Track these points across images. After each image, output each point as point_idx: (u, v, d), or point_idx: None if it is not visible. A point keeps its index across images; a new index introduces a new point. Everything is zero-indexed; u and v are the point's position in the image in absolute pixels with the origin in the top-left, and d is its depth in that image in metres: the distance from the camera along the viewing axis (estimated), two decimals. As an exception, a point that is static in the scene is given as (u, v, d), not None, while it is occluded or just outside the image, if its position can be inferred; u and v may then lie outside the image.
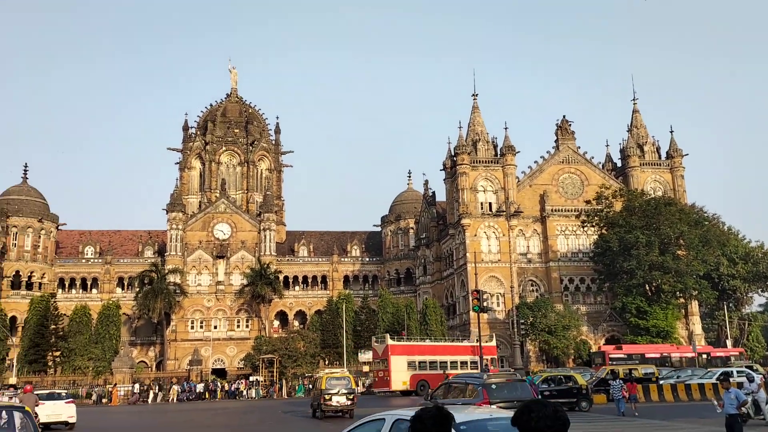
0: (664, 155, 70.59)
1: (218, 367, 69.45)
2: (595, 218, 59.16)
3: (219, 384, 54.41)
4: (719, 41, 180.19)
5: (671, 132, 70.89)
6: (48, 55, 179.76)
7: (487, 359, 43.47)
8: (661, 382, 34.68)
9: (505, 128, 74.35)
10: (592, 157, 69.65)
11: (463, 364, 43.79)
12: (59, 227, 76.77)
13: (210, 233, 75.59)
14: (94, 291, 74.42)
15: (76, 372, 59.02)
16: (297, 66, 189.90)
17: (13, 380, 52.07)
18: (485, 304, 42.69)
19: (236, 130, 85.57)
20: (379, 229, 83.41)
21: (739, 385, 16.71)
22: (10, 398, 25.21)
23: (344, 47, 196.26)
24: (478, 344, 40.26)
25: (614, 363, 40.23)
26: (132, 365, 59.72)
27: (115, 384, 52.74)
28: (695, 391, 32.16)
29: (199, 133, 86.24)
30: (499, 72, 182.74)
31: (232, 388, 54.00)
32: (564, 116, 69.94)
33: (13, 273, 71.32)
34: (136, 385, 52.66)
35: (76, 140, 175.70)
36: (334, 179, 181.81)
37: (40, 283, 72.39)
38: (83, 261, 75.67)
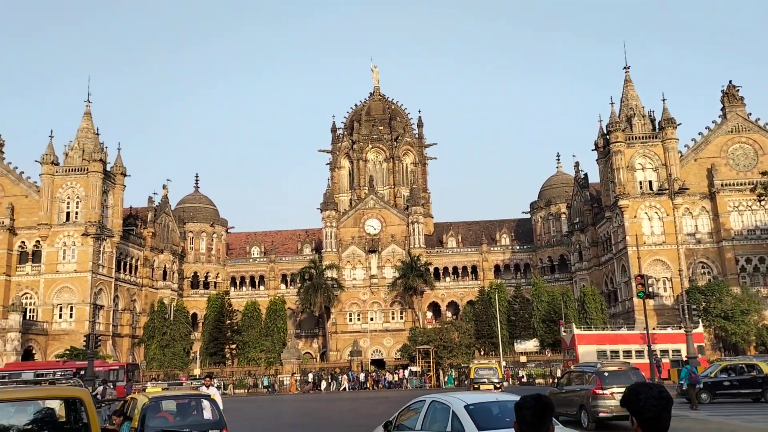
0: None
1: (377, 357, 71.76)
2: (776, 190, 52.87)
3: (380, 374, 56.30)
4: None
5: None
6: (213, 70, 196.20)
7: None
8: None
9: (663, 100, 69.23)
10: (767, 124, 62.43)
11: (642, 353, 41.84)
12: (228, 230, 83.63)
13: (361, 229, 78.22)
14: (261, 288, 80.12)
15: (250, 363, 63.88)
16: (435, 58, 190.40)
17: (197, 371, 57.70)
18: (650, 289, 39.95)
19: (380, 127, 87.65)
20: (528, 216, 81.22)
21: None
22: (197, 388, 27.81)
23: (482, 32, 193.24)
24: (672, 332, 38.51)
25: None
26: (299, 356, 63.53)
27: (293, 374, 56.58)
28: None
29: (346, 133, 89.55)
30: (649, 43, 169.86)
31: (392, 378, 55.68)
32: (730, 82, 63.36)
33: (192, 274, 78.91)
34: (310, 375, 56.27)
35: (238, 148, 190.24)
36: (479, 168, 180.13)
37: (215, 282, 79.36)
38: (250, 261, 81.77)
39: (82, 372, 37.37)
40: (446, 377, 53.98)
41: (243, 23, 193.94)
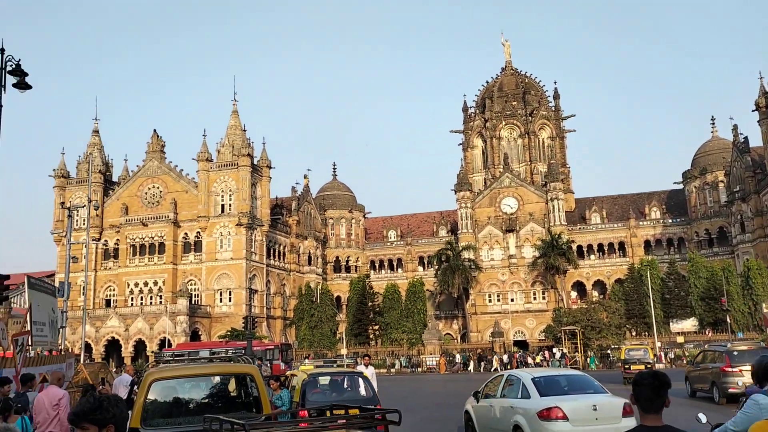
0: None
1: (519, 338, 70.61)
2: None
3: (525, 355, 55.42)
4: None
5: None
6: (344, 59, 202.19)
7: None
8: None
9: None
10: None
11: None
12: (365, 215, 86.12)
13: (497, 208, 76.99)
14: (400, 270, 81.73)
15: (393, 344, 65.59)
16: (569, 25, 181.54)
17: (344, 351, 60.21)
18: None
19: (514, 103, 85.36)
20: (680, 186, 75.42)
21: None
22: (355, 367, 29.11)
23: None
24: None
25: None
26: (440, 337, 64.15)
27: (442, 354, 57.52)
28: None
29: (477, 111, 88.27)
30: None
31: (533, 360, 54.50)
32: None
33: (334, 258, 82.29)
34: (458, 356, 56.96)
35: (372, 135, 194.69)
36: (623, 138, 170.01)
37: (356, 266, 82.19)
38: (388, 244, 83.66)
39: (242, 351, 40.42)
40: (588, 359, 51.87)
41: (371, 10, 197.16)
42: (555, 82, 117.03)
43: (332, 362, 13.16)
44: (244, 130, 70.40)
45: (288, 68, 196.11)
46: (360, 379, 12.91)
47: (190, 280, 67.84)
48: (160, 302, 65.80)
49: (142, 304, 66.97)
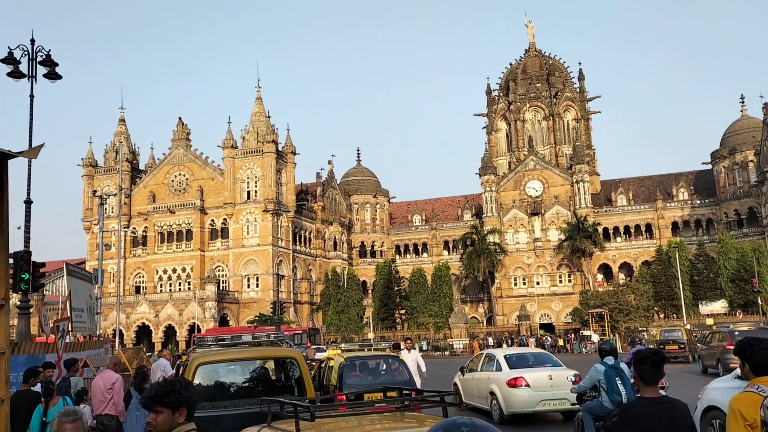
0: None
1: (545, 321, 70.41)
2: None
3: (555, 338, 55.38)
4: None
5: None
6: (366, 44, 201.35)
7: None
8: None
9: None
10: None
11: None
12: (390, 200, 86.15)
13: (522, 191, 76.47)
14: (425, 255, 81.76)
15: (419, 328, 65.86)
16: (594, 5, 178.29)
17: (371, 335, 60.67)
18: None
19: (538, 85, 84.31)
20: (709, 166, 74.05)
21: None
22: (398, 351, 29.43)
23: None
24: None
25: None
26: (466, 321, 64.22)
27: (474, 337, 57.70)
28: None
29: (501, 94, 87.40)
30: None
31: (560, 343, 54.48)
32: None
33: (359, 244, 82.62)
34: (490, 339, 57.13)
35: (395, 119, 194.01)
36: (649, 119, 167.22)
37: (381, 251, 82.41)
38: (413, 229, 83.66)
39: (272, 336, 40.95)
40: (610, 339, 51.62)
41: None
42: (579, 63, 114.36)
43: (368, 345, 13.28)
44: (269, 117, 70.73)
45: (311, 54, 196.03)
46: (396, 362, 13.06)
47: (218, 267, 68.69)
48: (189, 288, 66.82)
49: (171, 290, 68.09)
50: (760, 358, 3.97)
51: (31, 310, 19.17)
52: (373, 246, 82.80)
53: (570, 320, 64.87)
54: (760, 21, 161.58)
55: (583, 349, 51.91)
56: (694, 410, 8.89)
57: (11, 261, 16.73)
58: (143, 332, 64.28)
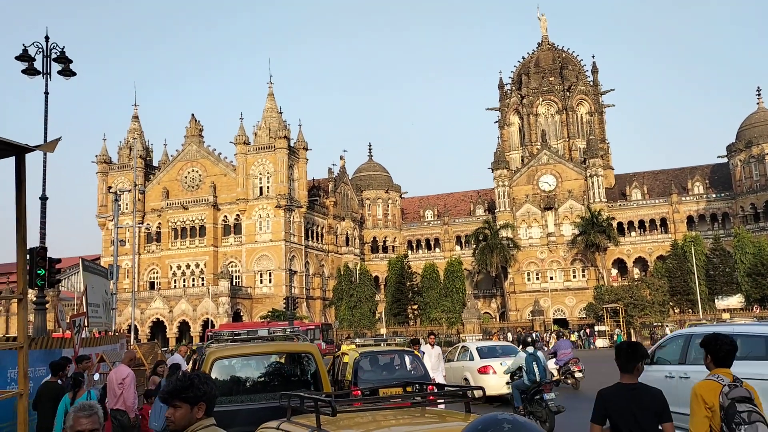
0: None
1: (559, 317, 70.04)
2: None
3: (570, 331, 55.04)
4: None
5: None
6: (376, 39, 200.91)
7: None
8: None
9: None
10: None
11: None
12: (402, 195, 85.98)
13: (535, 186, 76.02)
14: (437, 250, 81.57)
15: (432, 323, 65.73)
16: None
17: (383, 331, 60.66)
18: None
19: (551, 78, 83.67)
20: (725, 160, 73.19)
21: None
22: (419, 347, 29.60)
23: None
24: None
25: None
26: (479, 316, 63.94)
27: (496, 332, 57.44)
28: None
29: (514, 88, 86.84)
30: None
31: (573, 338, 54.11)
32: None
33: (371, 239, 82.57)
34: (509, 334, 56.91)
35: (407, 114, 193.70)
36: (664, 112, 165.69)
37: (393, 246, 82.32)
38: (425, 224, 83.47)
39: (288, 331, 41.01)
40: (616, 337, 51.12)
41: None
42: (593, 56, 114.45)
43: (383, 340, 13.33)
44: (280, 113, 70.79)
45: (323, 50, 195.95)
46: (410, 357, 12.98)
47: (231, 262, 68.94)
48: (202, 284, 67.15)
49: (184, 286, 68.45)
50: (721, 351, 4.57)
51: (47, 305, 19.29)
52: (385, 241, 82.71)
53: (584, 315, 64.49)
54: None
55: (591, 346, 51.64)
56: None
57: (27, 257, 16.83)
58: (158, 327, 64.71)
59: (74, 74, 20.01)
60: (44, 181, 18.00)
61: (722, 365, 4.56)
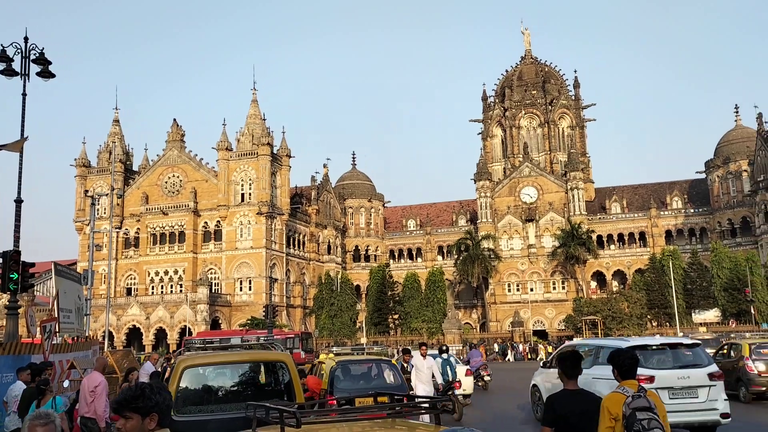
0: None
1: (539, 328, 70.28)
2: None
3: (541, 345, 55.24)
4: None
5: None
6: (360, 47, 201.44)
7: None
8: None
9: None
10: None
11: None
12: (385, 205, 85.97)
13: (517, 198, 76.46)
14: (419, 260, 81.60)
15: (413, 333, 65.55)
16: (589, 15, 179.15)
17: (364, 340, 60.34)
18: None
19: (533, 92, 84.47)
20: (703, 175, 74.30)
21: None
22: (408, 358, 29.88)
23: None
24: None
25: None
26: (459, 326, 63.80)
27: (480, 343, 57.34)
28: None
29: (497, 101, 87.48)
30: None
31: (549, 350, 54.34)
32: None
33: (353, 248, 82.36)
34: (495, 345, 56.97)
35: (391, 124, 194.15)
36: (643, 128, 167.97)
37: (375, 255, 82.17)
38: (407, 233, 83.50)
39: (263, 339, 40.61)
40: None
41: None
42: (575, 71, 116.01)
43: (361, 350, 13.44)
44: (264, 119, 70.50)
45: (307, 57, 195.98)
46: (387, 367, 12.88)
47: (210, 269, 68.29)
48: (181, 291, 66.38)
49: (162, 292, 67.61)
50: (624, 365, 4.93)
51: (20, 310, 18.87)
52: (367, 250, 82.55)
53: (563, 327, 64.78)
54: (754, 31, 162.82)
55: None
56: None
57: (0, 260, 16.46)
58: (134, 334, 63.77)
59: (53, 76, 19.72)
60: (20, 184, 17.62)
61: (627, 377, 4.87)
